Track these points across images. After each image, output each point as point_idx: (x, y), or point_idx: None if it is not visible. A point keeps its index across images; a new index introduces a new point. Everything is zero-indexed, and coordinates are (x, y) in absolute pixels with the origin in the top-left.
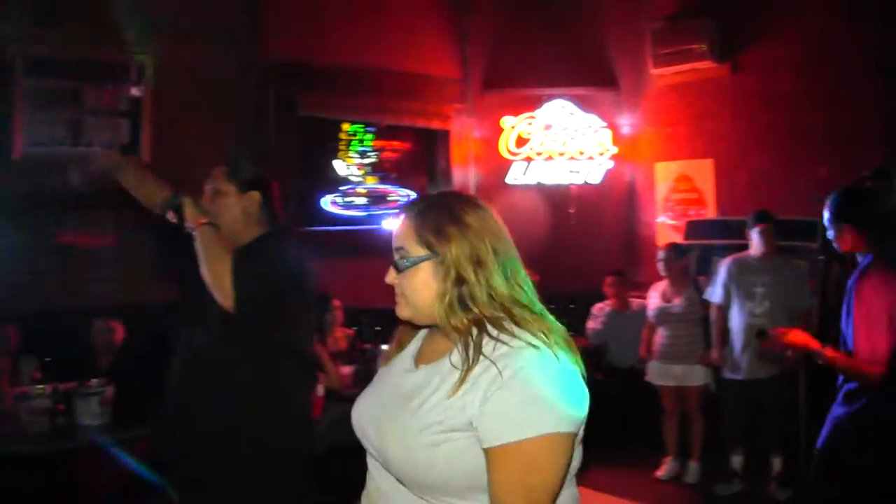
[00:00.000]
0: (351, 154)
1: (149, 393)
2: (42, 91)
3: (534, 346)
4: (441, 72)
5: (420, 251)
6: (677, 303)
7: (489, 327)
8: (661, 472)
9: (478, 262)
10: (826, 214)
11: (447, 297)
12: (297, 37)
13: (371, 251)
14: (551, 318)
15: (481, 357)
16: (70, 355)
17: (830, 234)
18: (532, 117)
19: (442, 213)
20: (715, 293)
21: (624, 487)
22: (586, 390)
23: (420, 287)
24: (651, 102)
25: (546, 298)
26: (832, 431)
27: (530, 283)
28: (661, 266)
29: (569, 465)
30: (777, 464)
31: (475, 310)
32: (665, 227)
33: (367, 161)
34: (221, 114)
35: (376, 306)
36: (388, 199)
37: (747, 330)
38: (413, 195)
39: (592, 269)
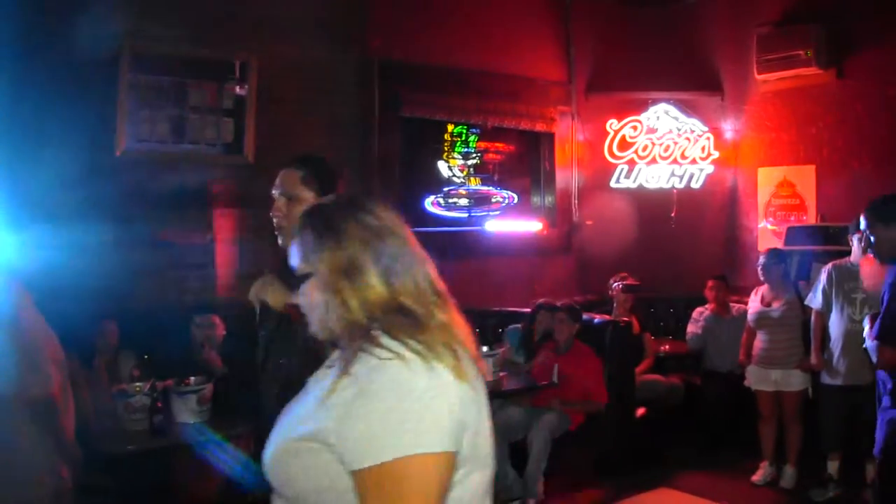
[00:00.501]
0: (454, 155)
1: (245, 393)
2: (146, 87)
3: (402, 357)
4: (546, 74)
5: (305, 266)
6: (776, 307)
7: (364, 337)
8: (757, 477)
9: (350, 271)
10: (863, 222)
11: (323, 308)
12: (402, 37)
13: (471, 252)
14: (441, 321)
15: (350, 369)
16: (170, 352)
17: (870, 238)
18: (636, 121)
19: (317, 224)
20: (815, 299)
21: (719, 491)
22: (467, 402)
23: (311, 301)
24: (754, 108)
25: (646, 301)
26: (889, 434)
27: (429, 285)
28: (760, 271)
29: (446, 485)
30: (872, 470)
31: (348, 318)
32: (766, 232)
33: (470, 162)
34: (326, 113)
35: (474, 307)
36: (491, 200)
37: (847, 336)
38: (515, 197)
39: (693, 273)
